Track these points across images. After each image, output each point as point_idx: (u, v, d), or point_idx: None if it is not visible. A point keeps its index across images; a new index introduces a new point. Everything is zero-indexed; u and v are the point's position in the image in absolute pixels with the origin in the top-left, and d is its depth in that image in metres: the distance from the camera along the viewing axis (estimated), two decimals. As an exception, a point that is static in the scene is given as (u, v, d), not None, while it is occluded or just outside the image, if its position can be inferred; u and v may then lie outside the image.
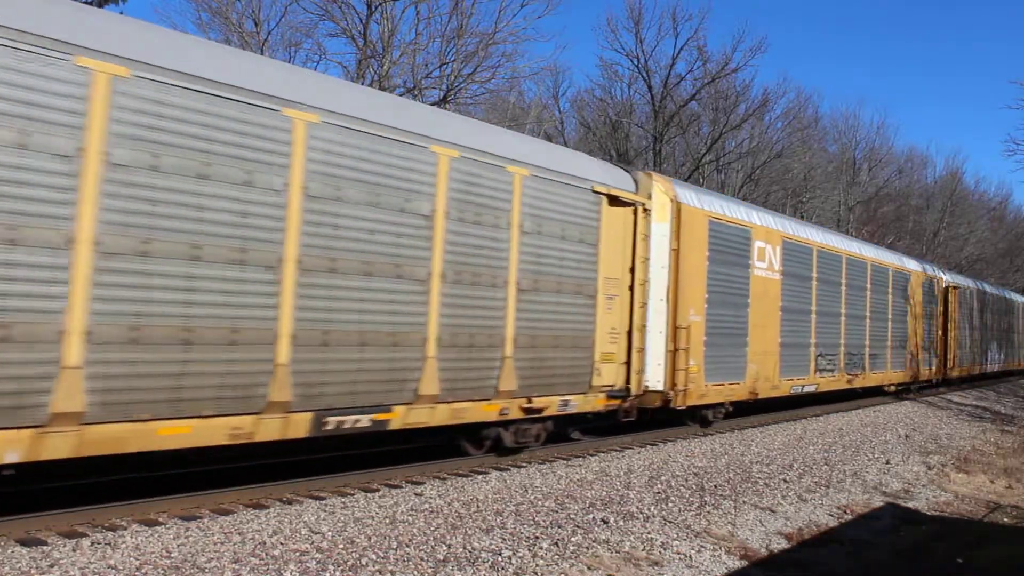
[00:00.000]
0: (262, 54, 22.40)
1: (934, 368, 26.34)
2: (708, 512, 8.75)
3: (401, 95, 22.15)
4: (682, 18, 38.17)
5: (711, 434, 14.54)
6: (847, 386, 19.87)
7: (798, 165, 42.84)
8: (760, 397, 15.66)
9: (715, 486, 10.04)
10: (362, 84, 21.62)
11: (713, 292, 13.86)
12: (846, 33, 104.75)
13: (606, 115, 37.69)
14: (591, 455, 11.67)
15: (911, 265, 24.71)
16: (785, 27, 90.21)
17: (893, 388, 23.36)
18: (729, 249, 14.47)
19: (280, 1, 26.04)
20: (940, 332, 26.96)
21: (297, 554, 6.35)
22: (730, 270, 14.47)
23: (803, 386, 17.41)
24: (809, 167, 44.64)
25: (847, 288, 19.65)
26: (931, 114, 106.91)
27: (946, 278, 27.76)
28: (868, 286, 20.91)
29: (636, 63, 35.97)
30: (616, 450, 12.22)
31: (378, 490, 8.74)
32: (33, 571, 5.63)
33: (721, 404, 14.62)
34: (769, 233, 15.97)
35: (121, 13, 9.22)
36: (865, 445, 14.61)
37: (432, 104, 22.94)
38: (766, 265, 15.66)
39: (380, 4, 24.32)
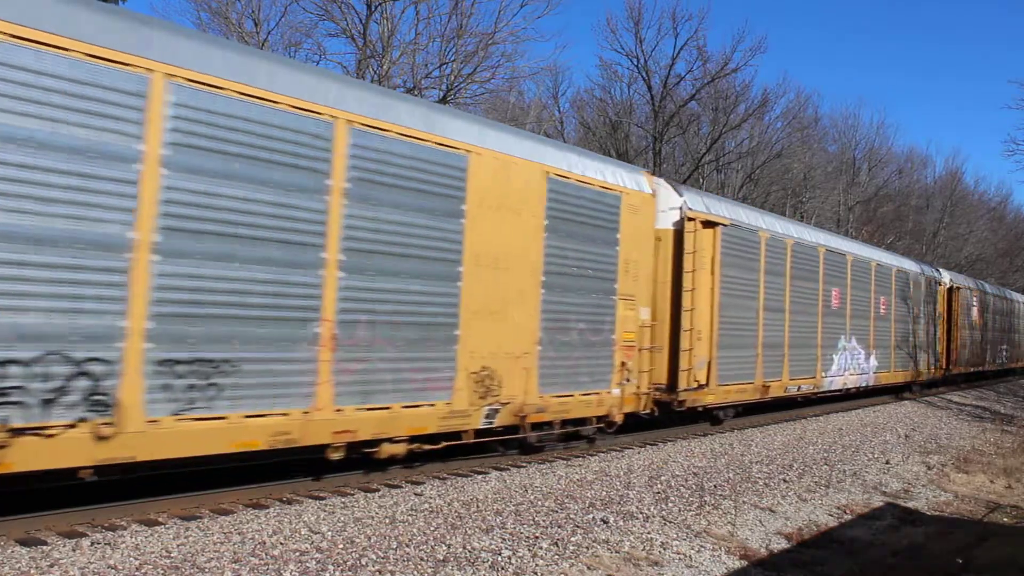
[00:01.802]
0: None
1: (640, 386, 12.33)
2: (708, 512, 8.75)
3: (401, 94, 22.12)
4: (682, 18, 38.03)
5: (711, 434, 14.54)
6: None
7: (798, 165, 42.82)
8: None
9: (715, 486, 10.04)
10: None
11: None
12: (846, 33, 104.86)
13: (606, 115, 37.66)
14: (591, 455, 11.67)
15: (517, 149, 10.49)
16: (785, 27, 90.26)
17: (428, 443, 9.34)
18: None
19: (280, 1, 26.06)
20: (666, 310, 13.22)
21: (297, 554, 6.36)
22: None
23: None
24: (809, 167, 44.63)
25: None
26: (931, 114, 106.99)
27: (684, 199, 13.59)
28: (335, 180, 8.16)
29: (636, 63, 35.91)
30: (616, 450, 12.22)
31: (378, 490, 8.74)
32: (33, 571, 5.64)
33: None
34: None
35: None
36: (865, 445, 14.61)
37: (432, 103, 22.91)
38: None
39: (380, 4, 24.31)
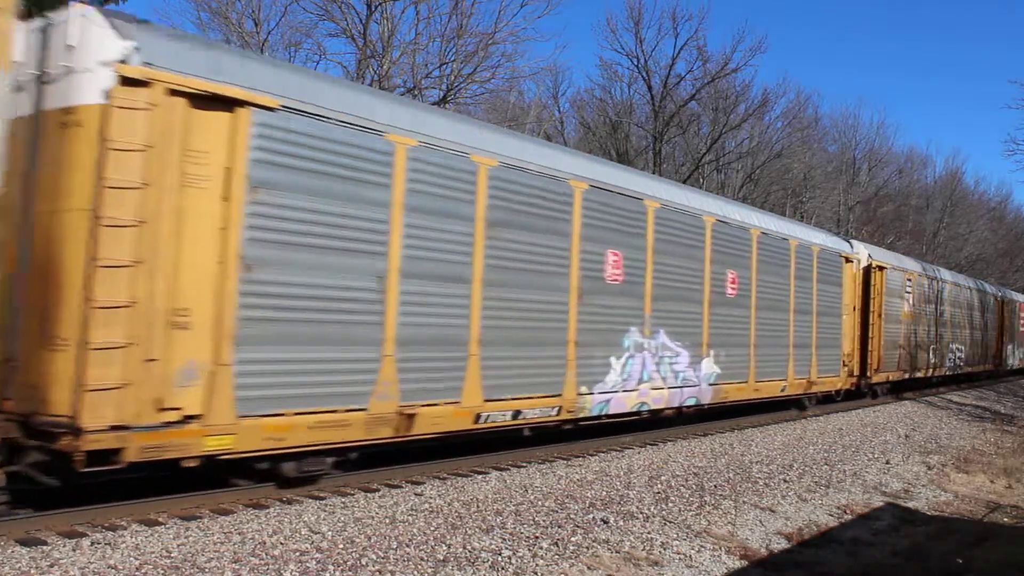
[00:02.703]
0: (261, 54, 22.11)
1: None
2: (708, 512, 8.75)
3: (402, 95, 22.14)
4: (682, 18, 38.29)
5: (711, 433, 14.54)
6: None
7: (798, 165, 42.85)
8: None
9: (715, 486, 10.04)
10: (363, 84, 21.55)
11: None
12: (846, 33, 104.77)
13: (606, 115, 37.68)
14: (591, 455, 11.67)
15: None
16: (785, 27, 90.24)
17: None
18: None
19: (280, 1, 26.07)
20: (75, 268, 6.52)
21: (297, 554, 6.36)
22: None
23: None
24: (809, 167, 44.66)
25: None
26: (931, 114, 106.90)
27: (134, 44, 6.62)
28: None
29: (636, 63, 35.98)
30: (616, 450, 12.22)
31: (378, 490, 8.74)
32: (33, 571, 5.64)
33: None
34: None
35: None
36: (865, 445, 14.61)
37: (432, 104, 22.93)
38: None
39: (380, 4, 24.31)
